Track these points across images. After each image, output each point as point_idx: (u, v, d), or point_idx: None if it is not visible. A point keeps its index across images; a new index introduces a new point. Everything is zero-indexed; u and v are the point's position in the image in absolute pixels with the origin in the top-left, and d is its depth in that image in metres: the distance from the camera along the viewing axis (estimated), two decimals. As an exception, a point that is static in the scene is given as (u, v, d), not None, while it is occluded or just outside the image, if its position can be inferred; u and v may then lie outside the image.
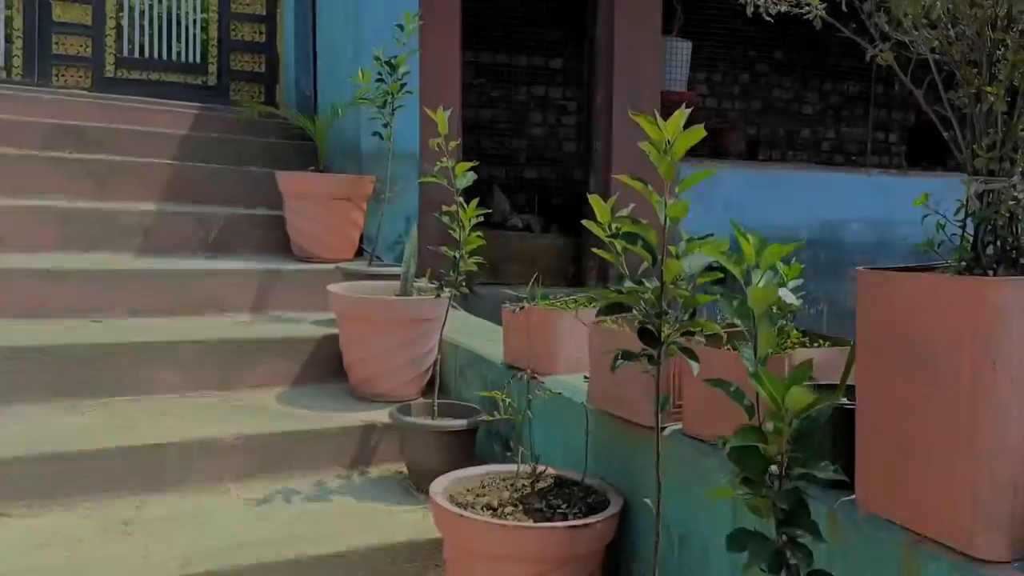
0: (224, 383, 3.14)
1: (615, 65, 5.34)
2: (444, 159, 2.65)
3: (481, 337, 3.25)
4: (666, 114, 1.52)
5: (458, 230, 2.67)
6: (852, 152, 8.21)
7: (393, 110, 3.58)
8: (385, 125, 3.60)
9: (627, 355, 1.53)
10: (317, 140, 4.14)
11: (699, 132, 1.46)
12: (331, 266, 3.90)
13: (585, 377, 2.46)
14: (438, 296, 2.83)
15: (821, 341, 1.89)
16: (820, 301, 6.11)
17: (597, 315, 1.58)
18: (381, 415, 2.91)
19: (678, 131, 1.46)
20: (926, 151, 7.23)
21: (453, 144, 2.65)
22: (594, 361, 2.12)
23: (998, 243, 1.30)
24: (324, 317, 3.62)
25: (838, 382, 1.68)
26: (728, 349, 1.80)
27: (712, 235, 1.53)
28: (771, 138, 7.91)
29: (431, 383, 3.18)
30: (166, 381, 3.05)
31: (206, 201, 4.41)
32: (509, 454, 2.71)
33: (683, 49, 6.03)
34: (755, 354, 1.35)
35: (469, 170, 2.69)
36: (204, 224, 4.11)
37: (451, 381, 3.17)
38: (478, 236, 2.68)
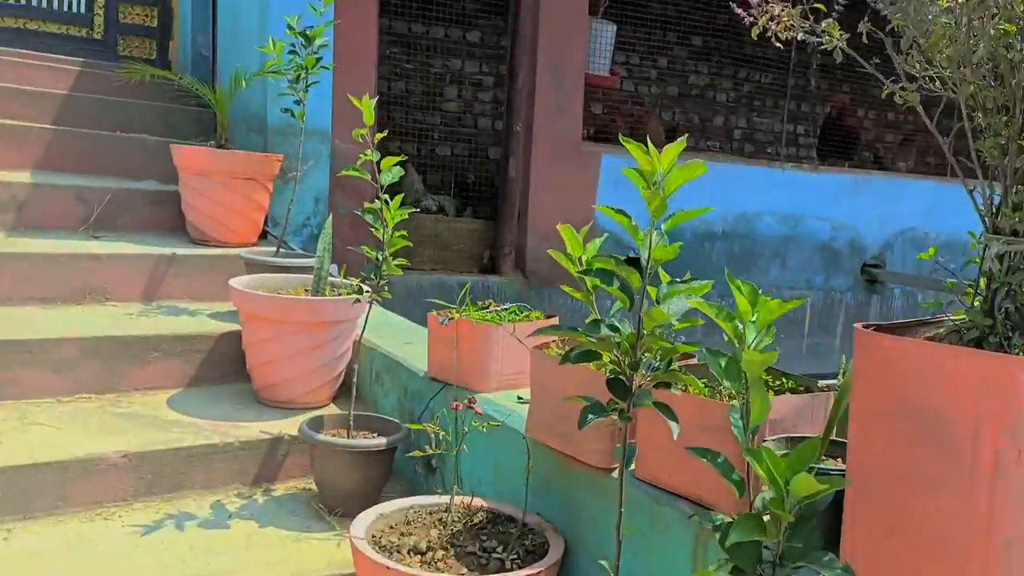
0: (108, 386, 2.80)
1: (539, 43, 5.13)
2: (368, 151, 2.39)
3: (398, 338, 3.02)
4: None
5: (381, 229, 2.43)
6: (762, 141, 8.28)
7: (307, 86, 3.27)
8: (297, 102, 3.29)
9: (596, 410, 1.34)
10: (218, 112, 3.78)
11: (699, 167, 1.27)
12: (232, 251, 3.57)
13: (519, 398, 2.28)
14: (357, 300, 2.57)
15: (784, 379, 1.76)
16: (732, 295, 6.11)
17: (562, 361, 1.39)
18: (288, 425, 2.66)
19: (673, 164, 1.27)
20: (835, 145, 7.33)
21: (379, 136, 2.39)
22: (536, 389, 1.94)
23: (1015, 309, 1.17)
24: (224, 309, 3.31)
25: (812, 435, 1.55)
26: (682, 389, 1.64)
27: (695, 279, 1.36)
28: (686, 125, 7.87)
29: (345, 386, 2.95)
30: (39, 384, 2.70)
31: (90, 172, 3.99)
32: (432, 475, 2.52)
33: (607, 31, 5.86)
34: (746, 425, 1.19)
35: (396, 165, 2.45)
36: (87, 199, 3.69)
37: (366, 386, 2.93)
38: (401, 236, 2.45)
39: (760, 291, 1.26)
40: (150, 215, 3.86)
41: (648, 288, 1.34)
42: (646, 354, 1.36)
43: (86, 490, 2.30)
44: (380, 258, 2.44)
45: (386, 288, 2.51)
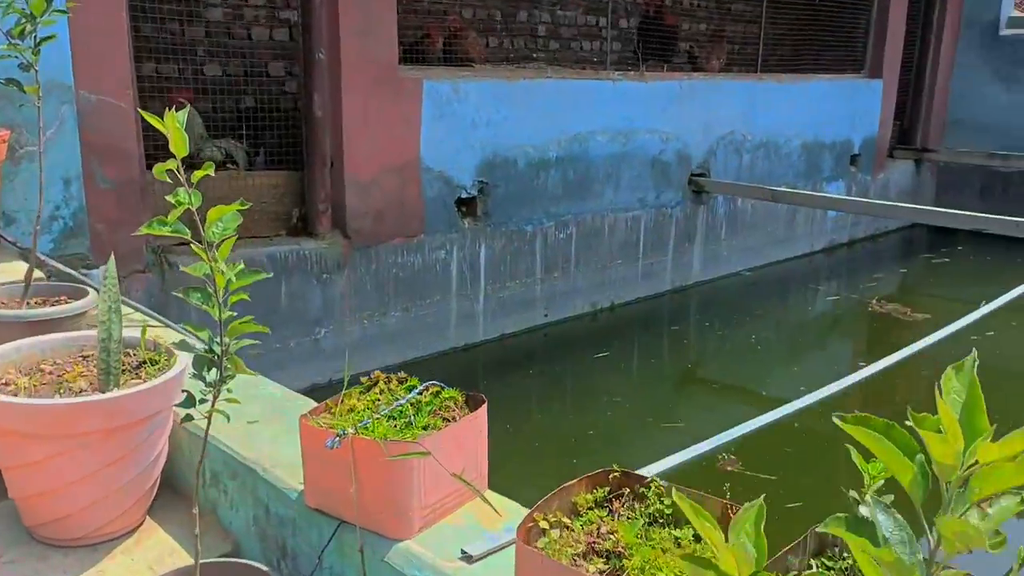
0: None
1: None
2: (182, 191, 1.49)
3: (234, 410, 2.16)
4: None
5: (216, 307, 1.57)
6: (566, 37, 7.65)
7: (38, 44, 2.18)
8: (26, 67, 2.19)
9: None
10: None
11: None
12: (-50, 283, 2.48)
13: (465, 553, 1.58)
14: (189, 417, 1.68)
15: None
16: (569, 225, 5.58)
17: None
18: (91, 583, 1.80)
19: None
20: (654, 47, 6.85)
21: (200, 174, 1.49)
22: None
23: None
24: (-48, 380, 2.26)
25: None
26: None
27: None
28: (487, 23, 7.05)
29: (165, 485, 2.11)
30: None
31: None
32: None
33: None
34: None
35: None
36: None
37: (199, 490, 2.08)
38: (241, 298, 1.61)
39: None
40: None
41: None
42: None
43: None
44: (219, 349, 1.59)
45: (230, 391, 1.67)
